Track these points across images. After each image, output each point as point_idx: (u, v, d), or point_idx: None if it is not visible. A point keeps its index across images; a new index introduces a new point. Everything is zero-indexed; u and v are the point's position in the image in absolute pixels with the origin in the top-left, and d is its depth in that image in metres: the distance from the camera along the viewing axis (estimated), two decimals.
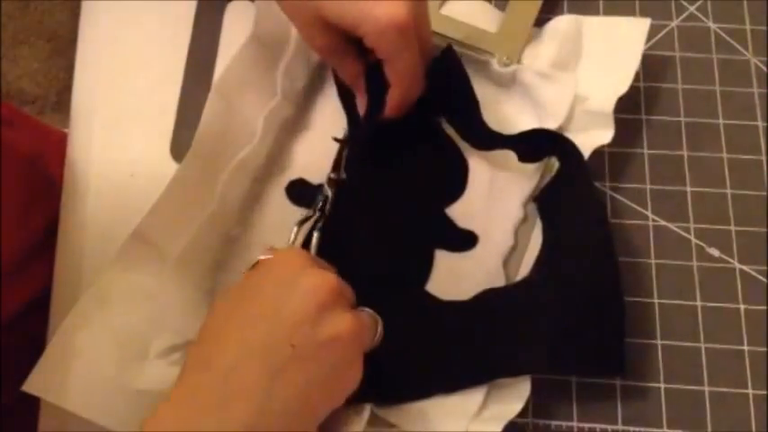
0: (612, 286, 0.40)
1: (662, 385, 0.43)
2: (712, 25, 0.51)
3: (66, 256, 0.47)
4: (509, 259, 0.45)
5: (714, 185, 0.47)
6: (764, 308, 0.44)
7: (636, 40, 0.47)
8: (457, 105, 0.45)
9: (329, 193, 0.45)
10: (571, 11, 0.51)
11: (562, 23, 0.48)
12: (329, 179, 0.46)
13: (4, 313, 0.48)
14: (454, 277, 0.44)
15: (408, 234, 0.46)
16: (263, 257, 0.38)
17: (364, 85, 0.45)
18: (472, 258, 0.45)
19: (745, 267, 0.45)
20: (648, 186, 0.47)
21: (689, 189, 0.47)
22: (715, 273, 0.45)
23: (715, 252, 0.45)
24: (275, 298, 0.35)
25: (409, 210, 0.46)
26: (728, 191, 0.47)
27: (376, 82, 0.43)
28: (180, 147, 0.49)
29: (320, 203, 0.44)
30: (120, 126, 0.50)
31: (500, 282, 0.44)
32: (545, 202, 0.45)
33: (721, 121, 0.49)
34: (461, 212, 0.46)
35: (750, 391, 0.42)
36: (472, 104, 0.44)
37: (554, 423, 0.42)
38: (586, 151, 0.44)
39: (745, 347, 0.43)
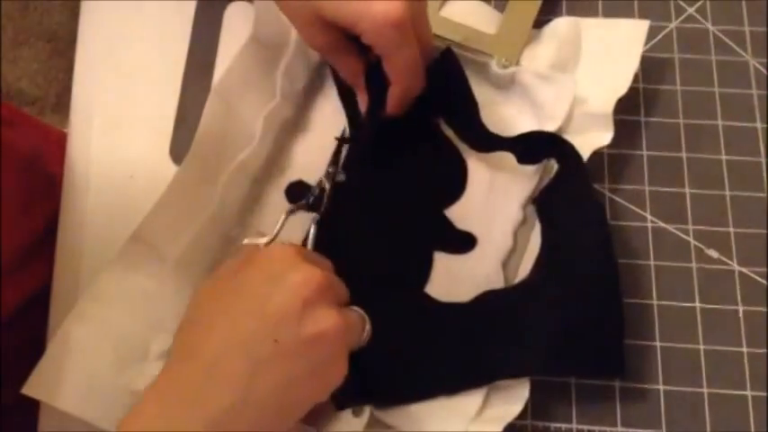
0: (611, 288, 0.40)
1: (661, 387, 0.43)
2: (711, 27, 0.51)
3: (66, 256, 0.47)
4: (508, 261, 0.45)
5: (713, 187, 0.47)
6: (763, 309, 0.44)
7: (635, 42, 0.47)
8: (456, 107, 0.45)
9: (327, 185, 0.45)
10: (570, 12, 0.51)
11: (561, 25, 0.48)
12: (327, 172, 0.46)
13: (3, 311, 0.48)
14: (453, 279, 0.44)
15: (407, 236, 0.46)
16: (247, 241, 0.38)
17: (364, 83, 0.45)
18: (471, 260, 0.45)
19: (744, 269, 0.45)
20: (647, 188, 0.47)
21: (688, 191, 0.47)
22: (714, 274, 0.45)
23: (714, 254, 0.45)
24: (261, 292, 0.35)
25: (408, 211, 0.46)
26: (727, 192, 0.47)
27: (376, 80, 0.43)
28: (179, 148, 0.49)
29: (314, 195, 0.45)
30: (120, 127, 0.50)
31: (499, 283, 0.44)
32: (544, 203, 0.45)
33: (720, 122, 0.49)
34: (460, 214, 0.46)
35: (749, 392, 0.42)
36: (471, 106, 0.44)
37: (553, 425, 0.42)
38: (585, 153, 0.44)
39: (744, 349, 0.43)
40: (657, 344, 0.43)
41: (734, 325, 0.44)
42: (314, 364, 0.35)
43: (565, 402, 0.42)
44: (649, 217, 0.46)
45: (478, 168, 0.47)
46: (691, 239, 0.46)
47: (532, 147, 0.44)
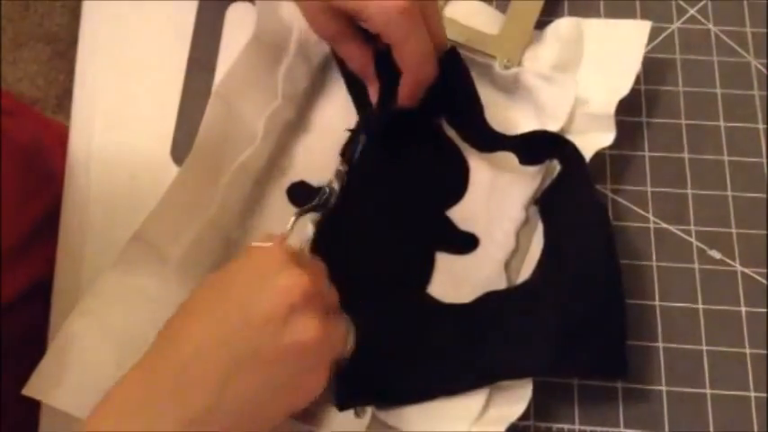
0: (614, 288, 0.40)
1: (663, 388, 0.43)
2: (713, 27, 0.51)
3: (67, 256, 0.47)
4: (510, 262, 0.45)
5: (715, 188, 0.47)
6: (766, 310, 0.44)
7: (637, 43, 0.47)
8: (461, 106, 0.45)
9: (336, 185, 0.45)
10: (572, 13, 0.51)
11: (563, 26, 0.48)
12: (338, 171, 0.45)
13: (3, 297, 0.48)
14: (455, 280, 0.44)
15: (409, 236, 0.46)
16: (256, 244, 0.38)
17: (374, 73, 0.45)
18: (473, 261, 0.45)
19: (746, 270, 0.45)
20: (649, 189, 0.47)
21: (690, 191, 0.47)
22: (716, 275, 0.45)
23: (716, 254, 0.45)
24: (246, 295, 0.35)
25: (410, 212, 0.46)
26: (729, 193, 0.47)
27: (386, 69, 0.43)
28: (180, 149, 0.49)
29: (325, 195, 0.44)
30: (121, 128, 0.50)
31: (501, 284, 0.44)
32: (546, 204, 0.45)
33: (722, 123, 0.49)
34: (462, 215, 0.46)
35: (752, 393, 0.42)
36: (476, 105, 0.44)
37: (556, 426, 0.42)
38: (588, 154, 0.44)
39: (747, 350, 0.43)
40: (660, 345, 0.43)
41: (736, 326, 0.44)
42: (292, 373, 0.35)
43: (568, 403, 0.42)
44: (651, 218, 0.46)
45: (480, 169, 0.47)
46: (693, 240, 0.46)
47: (535, 147, 0.44)
